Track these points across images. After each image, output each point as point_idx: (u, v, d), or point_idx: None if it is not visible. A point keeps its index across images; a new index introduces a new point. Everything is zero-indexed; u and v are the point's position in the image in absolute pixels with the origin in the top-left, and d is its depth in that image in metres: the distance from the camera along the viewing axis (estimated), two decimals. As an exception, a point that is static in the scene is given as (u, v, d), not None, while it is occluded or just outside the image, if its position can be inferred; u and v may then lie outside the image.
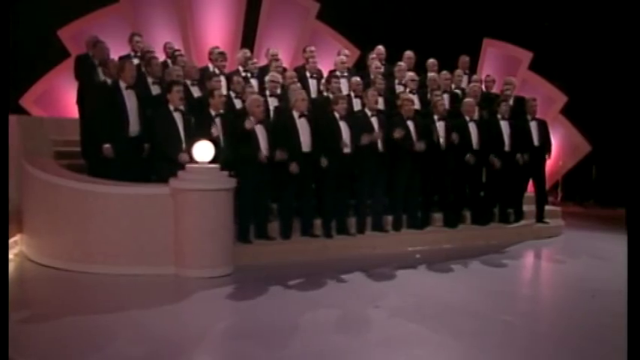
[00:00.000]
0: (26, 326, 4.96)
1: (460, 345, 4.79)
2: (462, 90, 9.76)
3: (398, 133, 8.08)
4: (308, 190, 7.80)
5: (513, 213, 9.36)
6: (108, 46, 8.33)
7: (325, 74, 9.46)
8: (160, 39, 9.88)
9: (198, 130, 7.06)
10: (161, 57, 9.06)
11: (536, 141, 9.19)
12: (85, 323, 5.07)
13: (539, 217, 9.49)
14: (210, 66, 9.20)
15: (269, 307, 5.64)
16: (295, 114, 7.67)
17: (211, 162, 6.61)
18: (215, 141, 6.93)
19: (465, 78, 10.01)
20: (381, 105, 8.52)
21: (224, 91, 8.08)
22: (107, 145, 7.23)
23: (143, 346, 4.61)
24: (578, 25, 12.06)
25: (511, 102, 9.46)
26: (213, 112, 7.28)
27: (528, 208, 9.53)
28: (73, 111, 9.38)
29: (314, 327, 5.12)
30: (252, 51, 10.17)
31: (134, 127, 7.46)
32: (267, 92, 8.22)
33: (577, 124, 11.60)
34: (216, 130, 7.21)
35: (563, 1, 12.04)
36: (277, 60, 9.24)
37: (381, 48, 10.00)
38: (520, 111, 9.31)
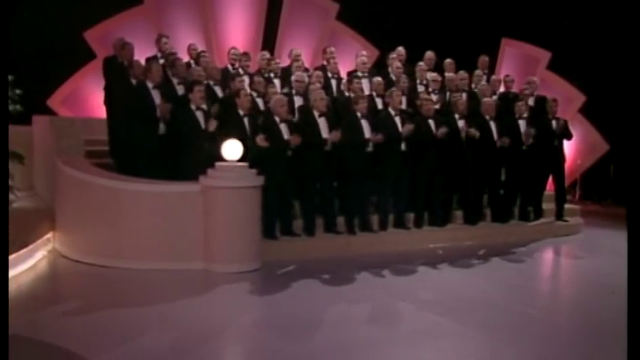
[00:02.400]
0: (65, 318, 5.17)
1: (484, 337, 4.95)
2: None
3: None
4: (330, 187, 7.97)
5: (533, 211, 9.46)
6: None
7: (344, 74, 9.63)
8: (183, 40, 10.08)
9: (226, 129, 7.25)
10: (184, 58, 9.26)
11: (555, 140, 9.29)
12: (119, 315, 5.29)
13: (559, 215, 9.59)
14: (230, 66, 9.40)
15: (296, 301, 5.83)
16: (315, 113, 7.85)
17: (240, 160, 6.80)
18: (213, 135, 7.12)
19: (485, 78, 10.12)
20: (404, 105, 8.68)
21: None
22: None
23: (175, 335, 4.83)
24: (597, 24, 12.11)
25: (531, 101, 9.58)
26: (241, 112, 7.47)
27: (547, 206, 9.63)
28: (99, 111, 9.62)
29: (340, 320, 5.30)
30: (272, 51, 10.37)
31: (162, 125, 7.67)
32: (294, 91, 8.41)
33: (595, 123, 11.65)
34: (213, 124, 7.38)
35: (582, 0, 12.10)
36: (300, 60, 9.44)
37: (401, 49, 10.15)
38: (541, 110, 9.43)
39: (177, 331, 4.91)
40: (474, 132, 8.58)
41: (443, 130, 8.29)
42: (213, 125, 7.32)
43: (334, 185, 8.01)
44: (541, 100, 9.64)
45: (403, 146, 8.22)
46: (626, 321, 3.06)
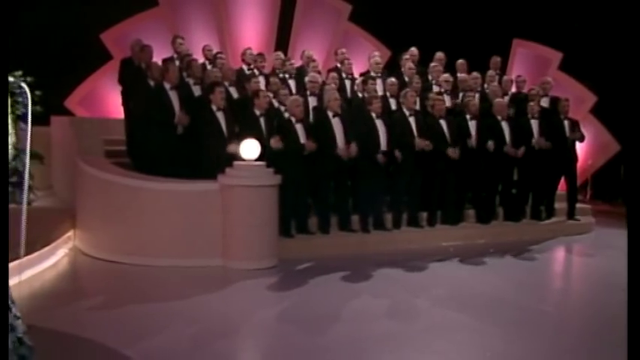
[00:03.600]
0: (90, 312, 5.32)
1: (499, 331, 5.07)
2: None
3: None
4: (344, 186, 8.10)
5: (545, 210, 9.55)
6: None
7: (356, 75, 9.75)
8: (197, 41, 10.23)
9: (244, 128, 7.39)
10: (199, 59, 9.39)
11: (568, 140, 9.39)
12: (142, 309, 5.44)
13: (570, 214, 9.68)
14: (244, 67, 9.54)
15: (313, 296, 5.97)
16: (330, 113, 7.98)
17: (257, 159, 6.94)
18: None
19: (497, 78, 10.22)
20: (417, 105, 8.80)
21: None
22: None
23: (196, 329, 4.98)
24: (608, 25, 12.17)
25: (544, 102, 9.69)
26: (257, 112, 7.61)
27: (559, 205, 9.71)
28: (115, 111, 9.79)
29: (357, 315, 5.43)
30: (285, 52, 10.49)
31: (180, 125, 7.82)
32: (308, 92, 8.54)
33: (606, 123, 11.72)
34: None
35: (593, 1, 12.16)
36: (313, 61, 9.57)
37: (414, 49, 10.26)
38: (553, 111, 9.54)
39: (199, 325, 5.05)
40: (490, 145, 8.66)
41: (455, 152, 8.42)
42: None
43: (348, 184, 8.14)
44: (555, 101, 9.75)
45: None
46: (626, 321, 3.13)
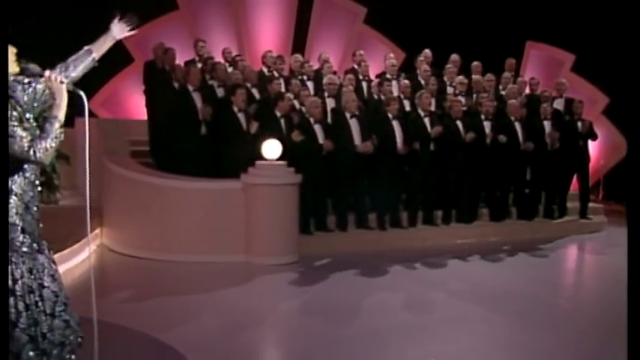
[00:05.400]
0: (123, 304, 5.59)
1: (513, 322, 5.30)
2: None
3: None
4: (361, 185, 8.33)
5: (557, 209, 9.75)
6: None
7: (371, 76, 9.97)
8: (217, 44, 10.46)
9: (265, 128, 7.64)
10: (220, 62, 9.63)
11: (580, 140, 9.60)
12: (171, 301, 5.71)
13: (583, 213, 9.87)
14: (265, 69, 9.78)
15: (333, 290, 6.21)
16: (347, 114, 8.21)
17: (279, 159, 7.19)
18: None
19: (511, 80, 10.41)
20: (432, 107, 9.03)
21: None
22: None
23: (223, 318, 5.28)
24: (620, 27, 12.29)
25: (558, 103, 9.90)
26: (278, 113, 7.86)
27: (572, 204, 9.90)
28: (137, 113, 10.04)
29: (377, 307, 5.68)
30: (302, 54, 10.70)
31: (203, 127, 8.07)
32: (326, 94, 8.77)
33: (618, 124, 11.85)
34: (254, 127, 7.79)
35: (605, 3, 12.28)
36: (329, 63, 9.81)
37: (428, 52, 10.46)
38: (567, 112, 9.74)
39: (225, 316, 5.33)
40: (502, 138, 8.87)
41: (471, 135, 8.60)
42: (254, 127, 7.71)
43: (365, 183, 8.37)
44: (569, 102, 9.95)
45: (432, 146, 8.55)
46: (627, 320, 3.33)
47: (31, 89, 2.92)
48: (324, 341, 4.79)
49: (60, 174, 8.77)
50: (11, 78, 2.89)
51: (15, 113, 2.76)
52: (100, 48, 3.17)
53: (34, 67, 2.96)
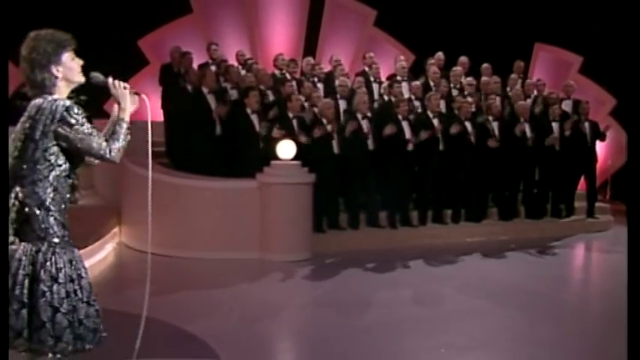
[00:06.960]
0: (149, 298, 5.78)
1: (520, 315, 5.51)
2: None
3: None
4: (372, 185, 8.53)
5: (565, 209, 9.92)
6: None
7: (382, 78, 10.17)
8: (230, 47, 10.67)
9: (279, 129, 7.86)
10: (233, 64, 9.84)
11: (588, 141, 9.78)
12: (190, 295, 5.98)
13: (590, 212, 10.04)
14: (277, 72, 9.98)
15: (347, 285, 6.44)
16: (359, 116, 8.42)
17: (293, 159, 7.41)
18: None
19: (520, 82, 10.59)
20: (442, 108, 9.23)
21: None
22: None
23: (241, 312, 5.54)
24: (628, 29, 12.39)
25: (566, 104, 10.08)
26: (291, 114, 8.09)
27: (579, 204, 10.07)
28: (152, 114, 10.22)
29: (389, 301, 5.91)
30: (314, 57, 10.90)
31: (218, 128, 8.30)
32: (338, 95, 8.98)
33: (625, 126, 11.96)
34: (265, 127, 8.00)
35: (613, 5, 12.40)
36: (341, 65, 10.01)
37: (440, 54, 10.62)
38: (574, 113, 9.92)
39: (243, 309, 5.59)
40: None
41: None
42: (264, 128, 7.95)
43: (375, 183, 8.57)
44: (576, 103, 10.13)
45: (441, 146, 8.75)
46: (627, 320, 3.51)
47: None
48: (337, 332, 5.00)
49: (79, 174, 8.97)
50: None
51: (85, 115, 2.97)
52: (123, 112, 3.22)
53: (97, 76, 3.15)
